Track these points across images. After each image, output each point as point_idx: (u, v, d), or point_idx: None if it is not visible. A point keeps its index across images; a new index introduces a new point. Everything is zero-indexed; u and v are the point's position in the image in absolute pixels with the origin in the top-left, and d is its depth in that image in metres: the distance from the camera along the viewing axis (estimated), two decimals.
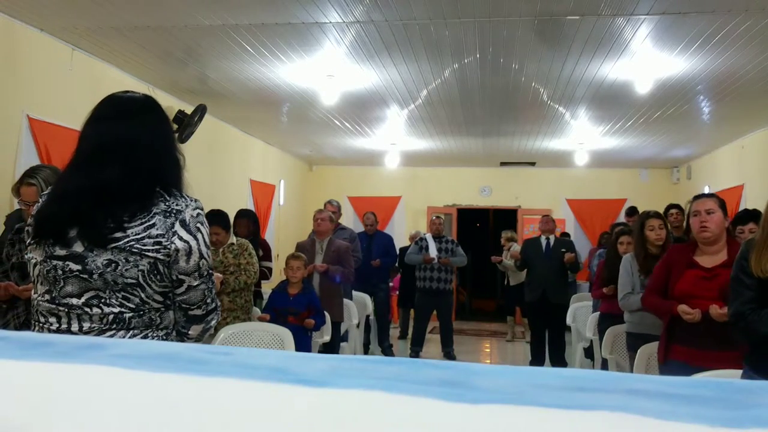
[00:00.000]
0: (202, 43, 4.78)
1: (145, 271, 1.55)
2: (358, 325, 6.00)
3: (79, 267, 1.53)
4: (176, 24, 4.37)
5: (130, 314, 1.55)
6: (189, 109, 6.26)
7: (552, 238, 6.73)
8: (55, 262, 1.55)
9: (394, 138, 8.58)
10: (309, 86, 5.89)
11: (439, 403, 0.50)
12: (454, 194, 11.25)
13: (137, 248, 1.53)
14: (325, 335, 4.69)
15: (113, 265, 1.52)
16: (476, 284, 13.20)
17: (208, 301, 1.68)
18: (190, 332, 1.68)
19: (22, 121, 4.42)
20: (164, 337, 1.62)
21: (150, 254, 1.54)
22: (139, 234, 1.54)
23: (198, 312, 1.66)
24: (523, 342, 8.86)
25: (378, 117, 7.27)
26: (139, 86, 5.71)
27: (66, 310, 1.54)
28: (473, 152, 9.63)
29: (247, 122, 7.88)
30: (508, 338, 9.19)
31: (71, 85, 4.82)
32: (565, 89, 5.87)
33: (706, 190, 8.69)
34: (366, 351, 6.90)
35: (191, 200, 1.65)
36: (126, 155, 1.59)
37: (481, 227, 14.10)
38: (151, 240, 1.55)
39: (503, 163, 10.72)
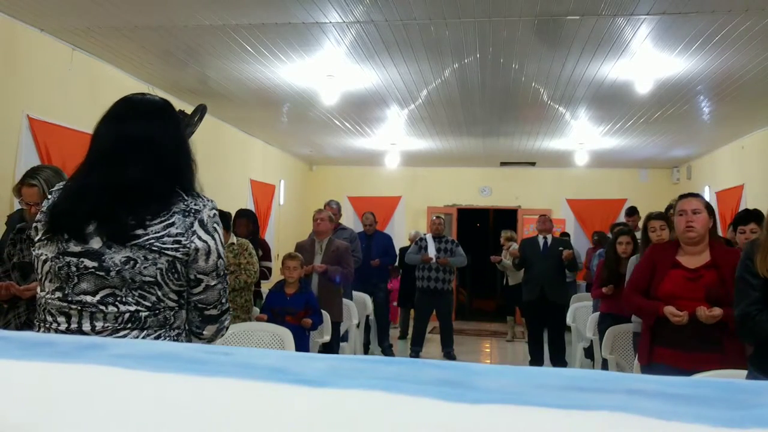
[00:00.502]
0: (202, 43, 4.78)
1: (164, 270, 1.55)
2: (358, 325, 6.00)
3: (95, 264, 1.52)
4: (176, 24, 4.37)
5: (146, 313, 1.55)
6: (189, 109, 6.24)
7: (549, 237, 6.73)
8: (68, 258, 1.53)
9: (394, 138, 8.58)
10: (309, 86, 5.89)
11: (439, 403, 0.50)
12: (454, 194, 11.25)
13: (157, 246, 1.53)
14: (324, 335, 4.69)
15: (132, 262, 1.52)
16: (476, 284, 13.20)
17: (223, 300, 1.69)
18: (204, 332, 1.68)
19: (22, 121, 4.42)
20: (176, 338, 1.62)
21: (169, 253, 1.54)
22: (159, 232, 1.54)
23: (214, 312, 1.67)
24: (523, 342, 8.84)
25: (378, 117, 7.27)
26: (139, 86, 5.71)
27: (79, 308, 1.53)
28: (473, 152, 9.63)
29: (247, 122, 7.88)
30: (508, 338, 9.19)
31: (71, 85, 4.82)
32: (565, 89, 5.87)
33: (707, 190, 8.69)
34: (366, 351, 6.90)
35: (208, 200, 1.67)
36: (147, 155, 1.59)
37: (481, 227, 14.10)
38: (171, 239, 1.55)
39: (503, 163, 10.72)
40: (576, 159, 9.35)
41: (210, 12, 4.14)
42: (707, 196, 8.25)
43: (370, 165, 10.95)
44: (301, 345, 4.05)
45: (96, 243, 1.53)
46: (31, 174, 2.92)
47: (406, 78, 5.61)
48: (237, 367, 0.57)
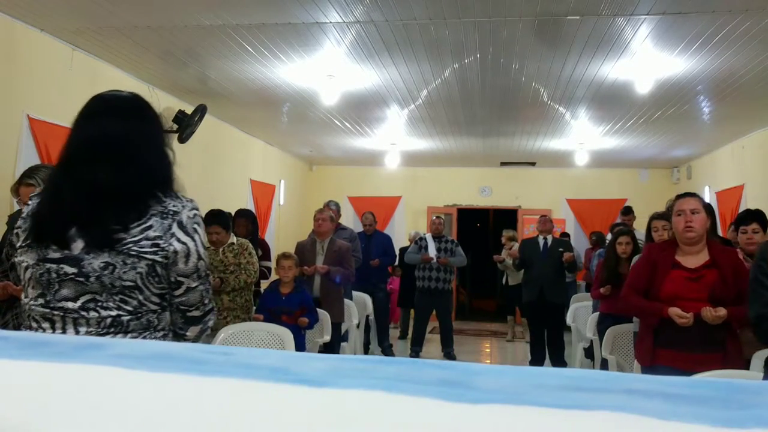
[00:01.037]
0: (202, 43, 4.78)
1: (144, 274, 1.52)
2: (358, 325, 6.00)
3: (74, 270, 1.50)
4: (176, 24, 4.37)
5: (128, 317, 1.53)
6: (189, 109, 6.26)
7: (549, 237, 6.73)
8: (48, 265, 1.51)
9: (394, 138, 8.58)
10: (309, 86, 5.89)
11: (439, 403, 0.50)
12: (454, 194, 11.25)
13: (135, 250, 1.51)
14: (325, 335, 4.69)
15: (110, 267, 1.50)
16: (476, 284, 13.20)
17: (206, 302, 1.66)
18: (187, 333, 1.66)
19: (22, 121, 4.42)
20: (161, 339, 1.60)
21: (148, 256, 1.52)
22: (136, 236, 1.51)
23: (196, 313, 1.65)
24: (523, 342, 8.86)
25: (378, 117, 7.27)
26: (139, 86, 5.71)
27: (61, 314, 1.51)
28: (473, 152, 9.63)
29: (247, 122, 7.88)
30: (508, 338, 9.19)
31: (71, 85, 4.82)
32: (566, 89, 5.87)
33: (707, 190, 8.69)
34: (366, 351, 6.89)
35: (187, 201, 1.62)
36: (118, 153, 1.56)
37: (481, 227, 14.10)
38: (149, 242, 1.52)
39: (503, 163, 10.72)
40: (576, 159, 9.35)
41: (210, 12, 4.14)
42: (707, 196, 8.25)
43: (370, 165, 10.95)
44: (298, 344, 4.04)
45: (76, 248, 1.51)
46: (29, 174, 2.92)
47: (406, 78, 5.60)
48: (237, 367, 0.57)
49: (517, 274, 8.55)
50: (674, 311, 2.87)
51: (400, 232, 10.63)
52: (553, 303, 6.41)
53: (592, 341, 5.15)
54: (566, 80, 5.57)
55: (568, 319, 6.01)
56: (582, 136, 8.13)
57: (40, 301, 1.53)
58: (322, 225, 5.26)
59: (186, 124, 6.20)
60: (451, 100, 6.44)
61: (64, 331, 1.51)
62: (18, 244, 1.58)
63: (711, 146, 8.69)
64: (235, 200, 7.46)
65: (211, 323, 1.70)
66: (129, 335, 1.53)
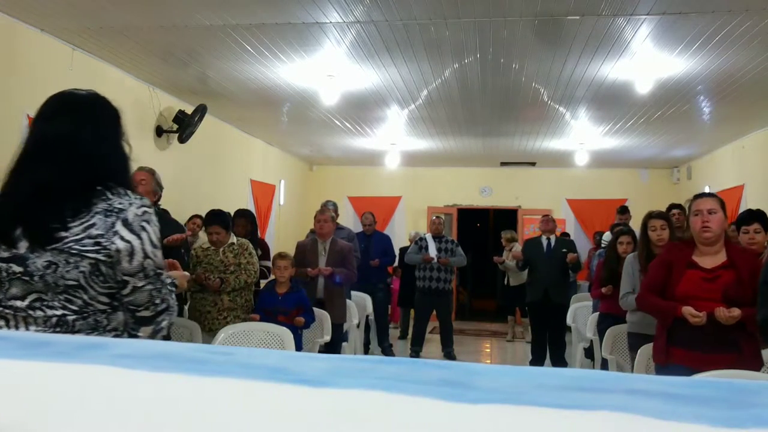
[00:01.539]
0: (202, 43, 4.78)
1: (87, 273, 1.51)
2: (358, 325, 6.00)
3: (21, 269, 1.51)
4: (176, 24, 4.37)
5: (74, 316, 1.52)
6: (189, 109, 6.26)
7: (553, 238, 6.73)
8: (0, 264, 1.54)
9: (394, 138, 8.58)
10: (309, 86, 5.89)
11: (439, 403, 0.50)
12: (454, 194, 11.25)
13: (76, 249, 1.50)
14: (325, 335, 4.69)
15: (53, 266, 1.49)
16: (476, 284, 13.20)
17: (157, 302, 1.61)
18: (139, 334, 1.62)
19: (22, 121, 4.42)
20: None
21: (90, 255, 1.50)
22: (78, 234, 1.50)
23: (146, 313, 1.60)
24: (523, 342, 8.86)
25: (378, 117, 7.27)
26: (139, 86, 5.72)
27: (12, 312, 1.53)
28: (473, 152, 9.63)
29: (247, 122, 7.88)
30: (508, 338, 9.19)
31: (71, 85, 4.78)
32: (566, 89, 5.87)
33: (707, 190, 8.69)
34: (366, 351, 6.89)
35: (136, 198, 1.60)
36: (61, 152, 1.57)
37: (481, 227, 14.10)
38: (91, 240, 1.51)
39: (503, 163, 10.71)
40: (576, 159, 9.35)
41: (210, 12, 4.14)
42: None
43: (370, 165, 10.95)
44: (295, 344, 4.05)
45: (22, 247, 1.52)
46: None
47: (406, 78, 5.60)
48: (237, 367, 0.57)
49: (518, 274, 8.55)
50: (687, 310, 2.88)
51: (400, 232, 10.63)
52: (557, 303, 6.41)
53: (592, 341, 5.15)
54: (566, 80, 5.57)
55: (568, 319, 6.01)
56: (582, 136, 8.13)
57: None
58: (324, 226, 5.26)
59: (186, 124, 6.20)
60: (451, 100, 6.44)
61: (17, 330, 1.52)
62: None
63: (711, 146, 8.69)
64: (235, 200, 7.46)
65: (165, 324, 1.65)
66: (75, 335, 1.52)
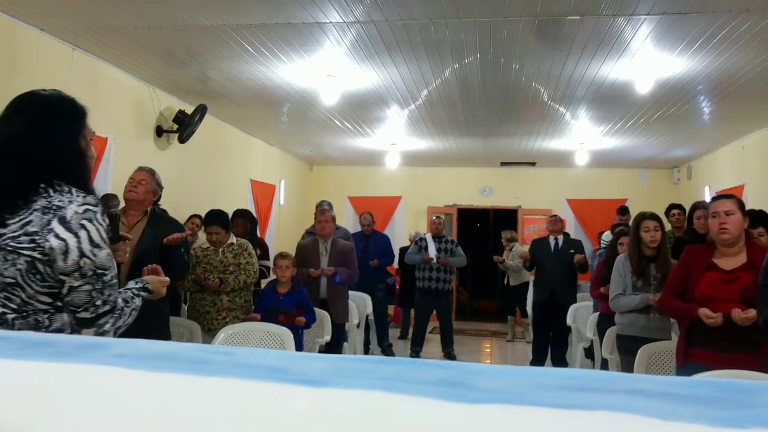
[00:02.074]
0: (202, 43, 4.78)
1: (23, 270, 1.50)
2: (358, 325, 6.00)
3: None
4: (176, 24, 4.37)
5: (13, 315, 1.51)
6: (189, 109, 6.26)
7: (561, 238, 6.72)
8: None
9: (394, 138, 8.58)
10: (309, 86, 5.89)
11: (439, 403, 0.50)
12: (455, 194, 11.25)
13: (12, 246, 1.49)
14: (325, 335, 4.69)
15: None
16: (476, 284, 13.20)
17: (98, 303, 1.57)
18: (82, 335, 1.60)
19: None
20: None
21: (25, 252, 1.49)
22: (15, 231, 1.50)
23: (86, 315, 1.56)
24: (523, 342, 8.86)
25: (378, 117, 7.27)
26: (139, 86, 5.72)
27: None
28: (473, 152, 9.63)
29: (247, 122, 7.88)
30: (508, 338, 9.19)
31: (71, 85, 4.80)
32: (566, 89, 5.87)
33: (707, 191, 8.69)
34: (366, 351, 6.89)
35: (79, 196, 1.57)
36: (6, 152, 1.58)
37: (481, 227, 14.10)
38: (27, 237, 1.50)
39: (503, 163, 10.72)
40: (576, 159, 9.35)
41: (210, 12, 4.14)
42: (707, 197, 8.25)
43: (371, 165, 10.95)
44: (296, 344, 4.05)
45: None
46: None
47: (406, 78, 5.60)
48: (237, 366, 0.57)
49: (518, 274, 8.56)
50: (703, 311, 2.91)
51: (400, 232, 10.63)
52: (564, 304, 6.38)
53: (592, 341, 5.15)
54: (566, 80, 5.57)
55: (568, 319, 6.01)
56: (582, 136, 8.13)
57: None
58: (325, 227, 5.26)
59: (186, 124, 6.20)
60: (451, 100, 6.44)
61: None
62: None
63: (711, 146, 8.69)
64: (235, 200, 7.46)
65: (108, 326, 1.60)
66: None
